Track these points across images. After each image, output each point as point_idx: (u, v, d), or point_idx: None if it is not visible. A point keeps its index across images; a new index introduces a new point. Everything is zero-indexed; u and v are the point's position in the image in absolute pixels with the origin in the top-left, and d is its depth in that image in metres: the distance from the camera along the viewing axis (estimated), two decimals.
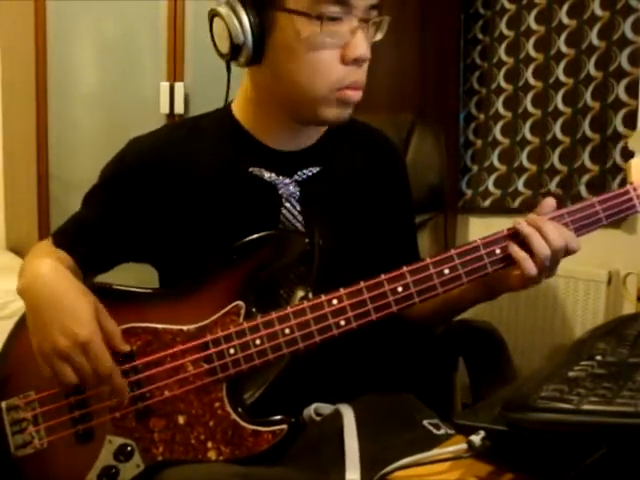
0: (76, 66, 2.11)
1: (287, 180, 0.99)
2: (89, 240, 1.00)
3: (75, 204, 1.06)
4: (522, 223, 0.88)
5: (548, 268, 0.88)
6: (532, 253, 0.86)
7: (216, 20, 0.91)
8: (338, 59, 0.89)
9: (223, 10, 0.89)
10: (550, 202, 0.91)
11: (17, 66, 2.27)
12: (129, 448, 0.88)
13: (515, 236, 0.88)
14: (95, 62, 2.13)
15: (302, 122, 0.98)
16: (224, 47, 0.91)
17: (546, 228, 0.86)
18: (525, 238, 0.86)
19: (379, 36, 0.93)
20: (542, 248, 0.85)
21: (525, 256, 0.86)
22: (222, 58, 0.94)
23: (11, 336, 0.96)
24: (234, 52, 0.90)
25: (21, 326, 0.93)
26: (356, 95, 0.92)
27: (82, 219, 1.04)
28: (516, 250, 0.87)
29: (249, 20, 0.88)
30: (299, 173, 0.99)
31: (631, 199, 0.91)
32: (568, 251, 0.88)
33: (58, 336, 0.84)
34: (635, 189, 0.91)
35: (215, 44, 0.94)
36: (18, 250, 2.38)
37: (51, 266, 0.90)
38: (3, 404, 0.92)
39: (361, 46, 0.88)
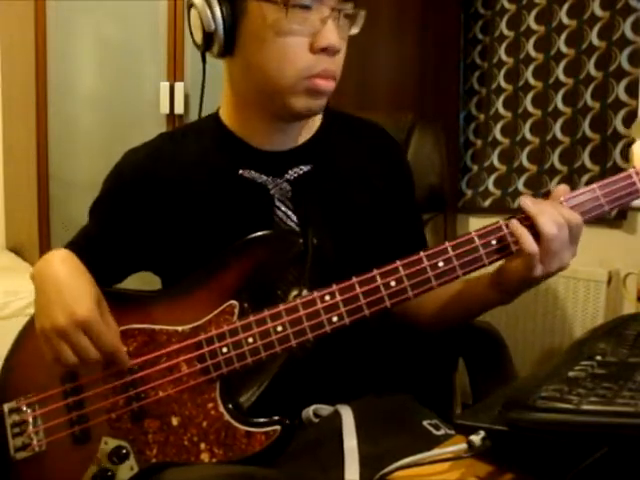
0: (76, 66, 2.11)
1: (278, 180, 0.98)
2: (95, 254, 1.00)
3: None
4: (526, 201, 0.84)
5: (568, 246, 0.84)
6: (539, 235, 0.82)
7: (192, 11, 0.93)
8: (307, 48, 0.88)
9: (198, 0, 0.90)
10: (563, 188, 0.87)
11: (17, 66, 2.27)
12: (124, 450, 0.88)
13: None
14: (95, 62, 2.13)
15: (275, 115, 0.96)
16: (197, 37, 0.93)
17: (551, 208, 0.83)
18: (532, 217, 0.83)
19: (355, 30, 0.92)
20: (548, 226, 0.82)
21: (525, 231, 0.83)
22: (198, 49, 0.96)
23: (17, 341, 0.97)
24: (207, 42, 0.92)
25: (27, 330, 0.95)
26: (327, 85, 0.90)
27: (88, 232, 1.05)
28: (516, 225, 0.84)
29: (220, 9, 0.89)
30: (290, 172, 0.99)
31: (634, 183, 0.86)
32: (573, 230, 0.84)
33: (58, 314, 0.85)
34: (638, 173, 0.86)
35: (192, 35, 0.95)
36: (18, 250, 2.38)
37: (64, 254, 0.93)
38: (5, 407, 0.92)
39: (331, 35, 0.87)
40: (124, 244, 1.01)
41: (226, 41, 0.90)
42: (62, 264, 0.91)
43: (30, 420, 0.91)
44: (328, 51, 0.88)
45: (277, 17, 0.86)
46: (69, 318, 0.85)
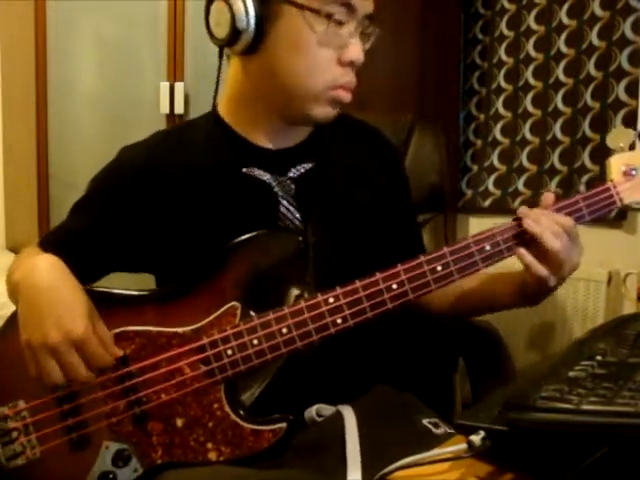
0: (76, 66, 2.11)
1: (281, 178, 0.98)
2: (78, 250, 0.98)
3: None
4: (529, 222, 0.88)
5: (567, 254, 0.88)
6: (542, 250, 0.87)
7: (217, 3, 0.91)
8: (335, 60, 0.92)
9: None
10: (549, 197, 0.92)
11: (17, 66, 2.27)
12: (127, 453, 0.87)
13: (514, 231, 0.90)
14: (95, 62, 2.13)
15: (287, 119, 0.97)
16: (222, 32, 0.91)
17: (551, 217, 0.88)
18: (538, 238, 0.87)
19: (367, 46, 0.95)
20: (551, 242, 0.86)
21: (533, 260, 0.87)
22: (216, 43, 0.94)
23: None
24: (233, 38, 0.90)
25: (4, 333, 0.91)
26: (347, 96, 0.95)
27: (72, 229, 1.02)
28: (525, 256, 0.88)
29: (254, 6, 0.89)
30: (293, 170, 0.99)
31: (612, 196, 0.93)
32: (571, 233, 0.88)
33: (51, 329, 0.82)
34: (615, 186, 0.93)
35: (209, 28, 0.93)
36: (18, 250, 2.37)
37: (51, 261, 0.89)
38: None
39: (358, 50, 0.92)
40: (117, 242, 0.99)
41: (254, 40, 0.90)
42: (51, 272, 0.87)
43: (21, 428, 0.88)
44: (353, 65, 0.93)
45: (316, 27, 0.89)
46: (63, 335, 0.82)
